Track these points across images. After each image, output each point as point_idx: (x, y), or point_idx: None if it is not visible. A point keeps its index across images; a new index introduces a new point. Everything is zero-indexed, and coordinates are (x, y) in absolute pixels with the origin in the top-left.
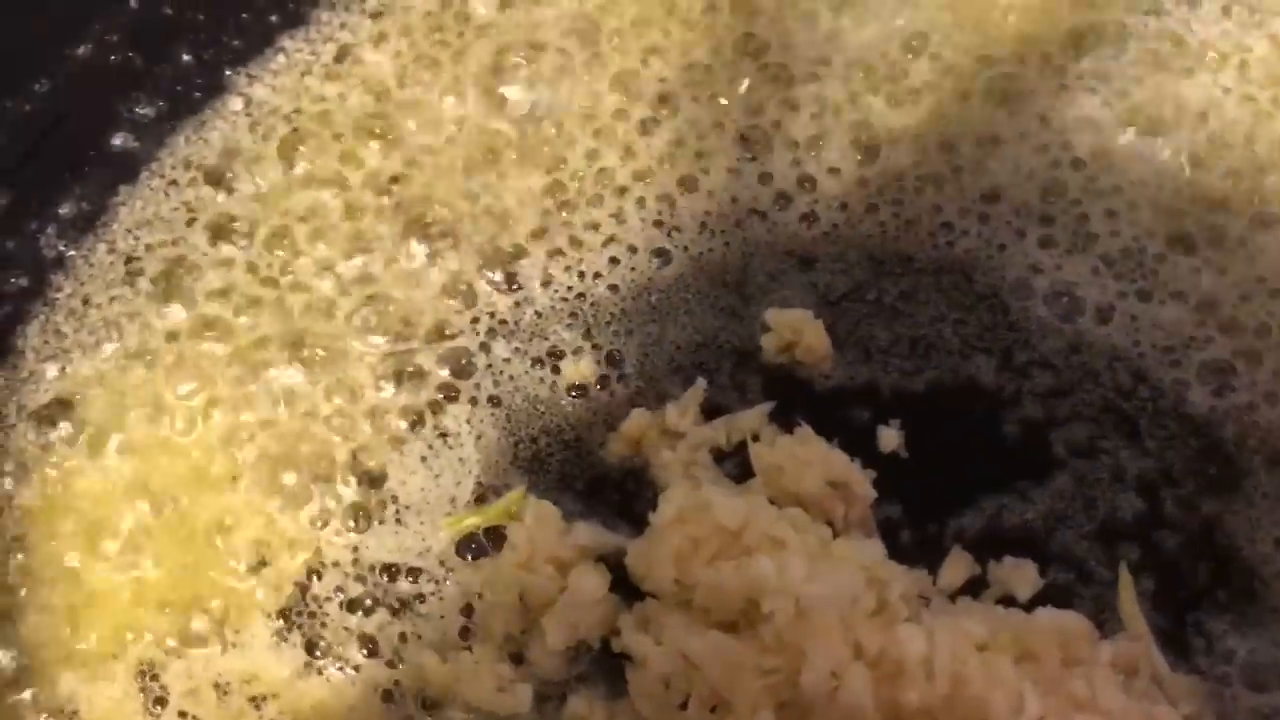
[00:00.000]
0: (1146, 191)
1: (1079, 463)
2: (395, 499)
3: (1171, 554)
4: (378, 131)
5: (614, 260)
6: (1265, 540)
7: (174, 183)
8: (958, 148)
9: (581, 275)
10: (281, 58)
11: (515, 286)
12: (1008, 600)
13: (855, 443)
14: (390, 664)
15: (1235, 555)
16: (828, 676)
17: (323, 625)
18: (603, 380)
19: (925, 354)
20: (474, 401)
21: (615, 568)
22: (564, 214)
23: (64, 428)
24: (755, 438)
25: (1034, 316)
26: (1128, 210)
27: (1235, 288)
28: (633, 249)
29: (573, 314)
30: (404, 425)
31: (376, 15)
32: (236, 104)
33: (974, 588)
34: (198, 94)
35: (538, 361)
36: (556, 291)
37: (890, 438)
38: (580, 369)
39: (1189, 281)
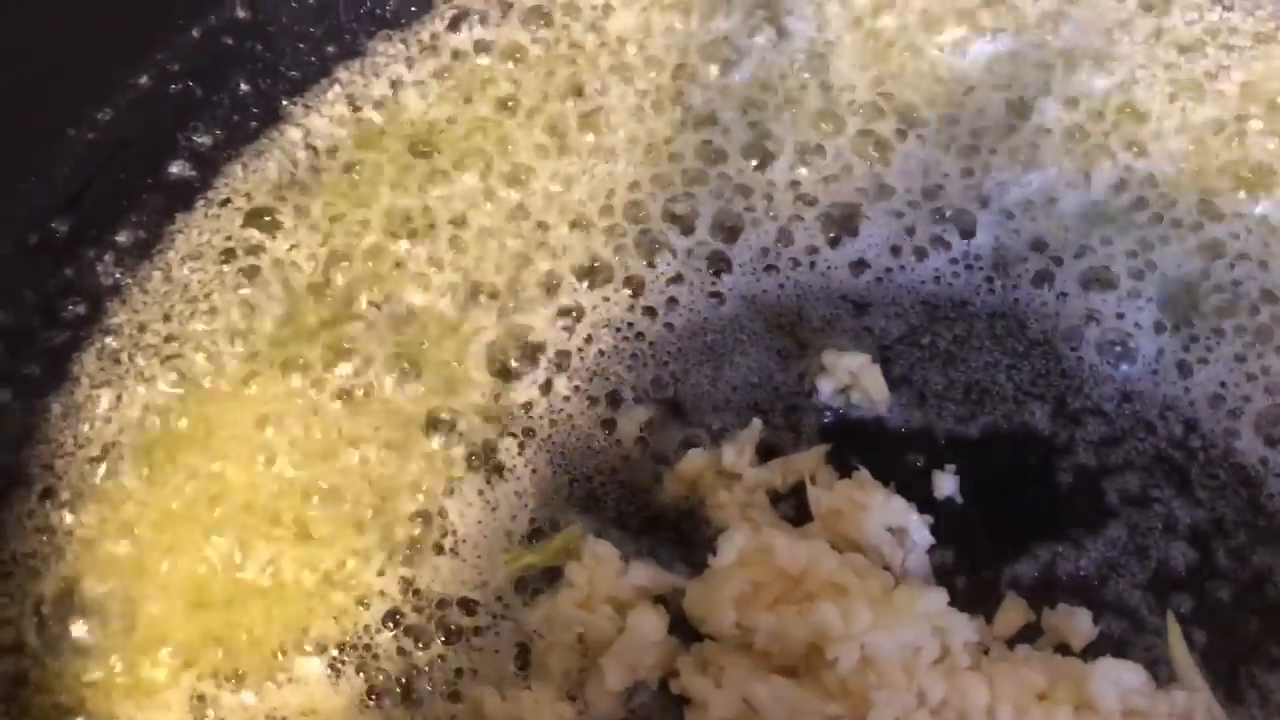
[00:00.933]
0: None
1: (1131, 511)
2: (454, 533)
3: (1224, 605)
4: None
5: (672, 300)
6: None
7: (231, 211)
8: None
9: (641, 314)
10: (337, 88)
11: (574, 324)
12: (1062, 649)
13: (910, 487)
14: (446, 698)
15: None
16: None
17: (376, 658)
18: (659, 420)
19: (979, 399)
20: (530, 435)
21: (673, 608)
22: (619, 255)
23: (121, 456)
24: (812, 480)
25: (1086, 364)
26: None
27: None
28: (690, 289)
29: (633, 355)
30: (462, 461)
31: (428, 48)
32: (294, 134)
33: (1028, 635)
34: (254, 123)
35: (594, 401)
36: (617, 330)
37: (945, 483)
38: (637, 409)
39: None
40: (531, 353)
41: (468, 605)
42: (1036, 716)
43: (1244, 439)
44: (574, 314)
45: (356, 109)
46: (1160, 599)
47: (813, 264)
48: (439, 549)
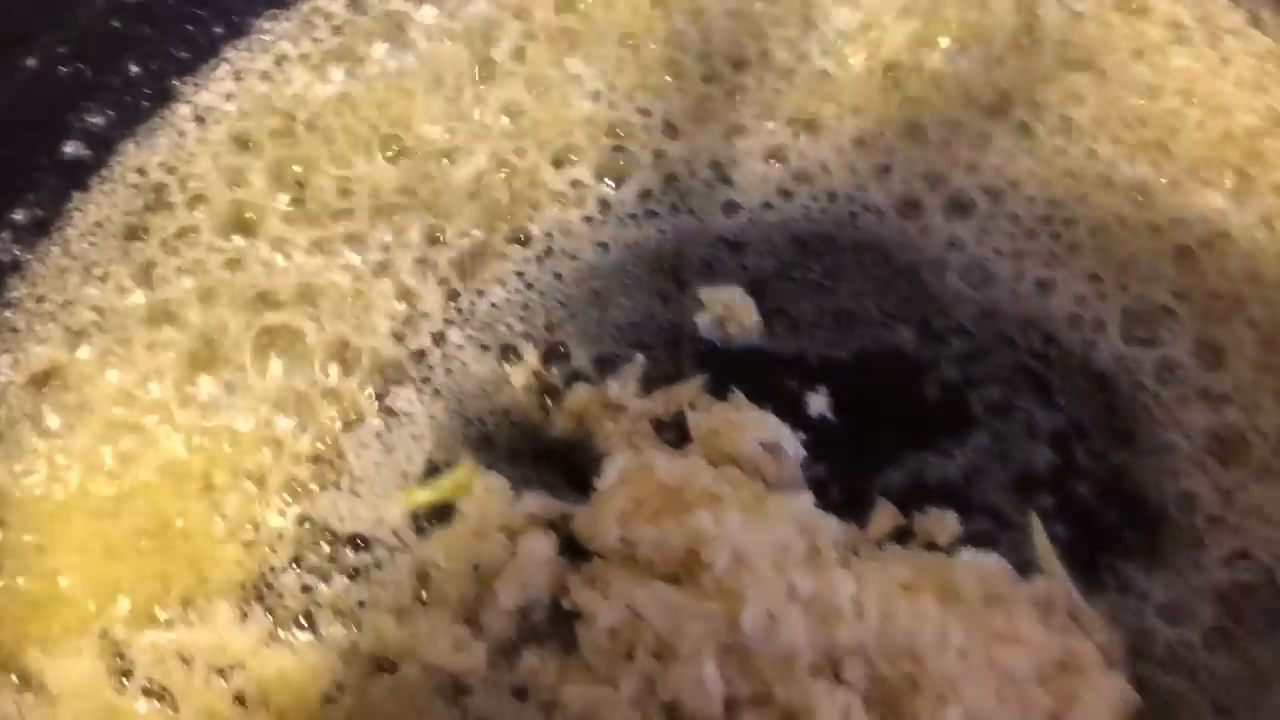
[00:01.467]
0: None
1: (994, 420)
2: (352, 473)
3: (1083, 501)
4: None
5: (559, 250)
6: (1170, 486)
7: (126, 187)
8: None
9: (528, 264)
10: (225, 66)
11: (467, 279)
12: (931, 548)
13: (786, 409)
14: (349, 629)
15: (1143, 501)
16: (765, 618)
17: (280, 596)
18: (547, 363)
19: (848, 325)
20: (426, 383)
21: (564, 536)
22: (509, 209)
23: (26, 422)
24: (692, 406)
25: (950, 288)
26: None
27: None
28: (575, 240)
29: (523, 304)
30: (358, 408)
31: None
32: (184, 111)
33: (900, 539)
34: (146, 103)
35: (486, 348)
36: (505, 282)
37: (818, 402)
38: (526, 352)
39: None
40: (423, 307)
41: (366, 542)
42: (901, 605)
43: (1101, 348)
44: (467, 268)
45: (243, 84)
46: (1024, 498)
47: (690, 209)
48: (337, 488)
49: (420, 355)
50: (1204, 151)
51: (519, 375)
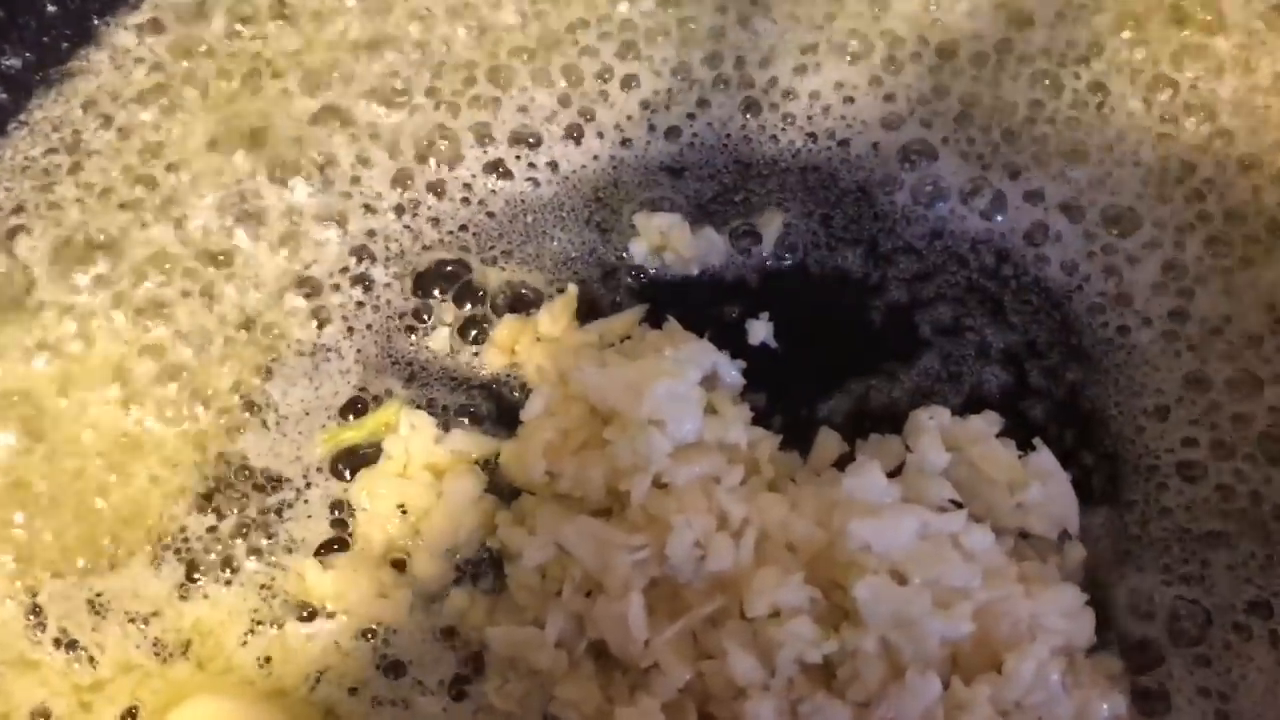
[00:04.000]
0: None
1: (944, 341)
2: (276, 409)
3: (1038, 421)
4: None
5: (493, 190)
6: (1125, 403)
7: (44, 133)
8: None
9: (460, 204)
10: (146, 5)
11: (399, 213)
12: None
13: (726, 337)
14: (266, 572)
15: (1100, 417)
16: (692, 547)
17: (196, 539)
18: (479, 299)
19: (792, 248)
20: (357, 316)
21: (493, 475)
22: (444, 143)
23: None
24: (628, 337)
25: (899, 206)
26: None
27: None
28: (507, 175)
29: (460, 246)
30: (285, 348)
31: None
32: (101, 55)
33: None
34: (65, 45)
35: (419, 285)
36: (437, 219)
37: (758, 329)
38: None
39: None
40: (356, 250)
41: (284, 481)
42: (833, 523)
43: (1053, 265)
44: (399, 209)
45: (162, 28)
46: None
47: (626, 140)
48: (262, 426)
49: (348, 288)
50: None
51: (448, 310)
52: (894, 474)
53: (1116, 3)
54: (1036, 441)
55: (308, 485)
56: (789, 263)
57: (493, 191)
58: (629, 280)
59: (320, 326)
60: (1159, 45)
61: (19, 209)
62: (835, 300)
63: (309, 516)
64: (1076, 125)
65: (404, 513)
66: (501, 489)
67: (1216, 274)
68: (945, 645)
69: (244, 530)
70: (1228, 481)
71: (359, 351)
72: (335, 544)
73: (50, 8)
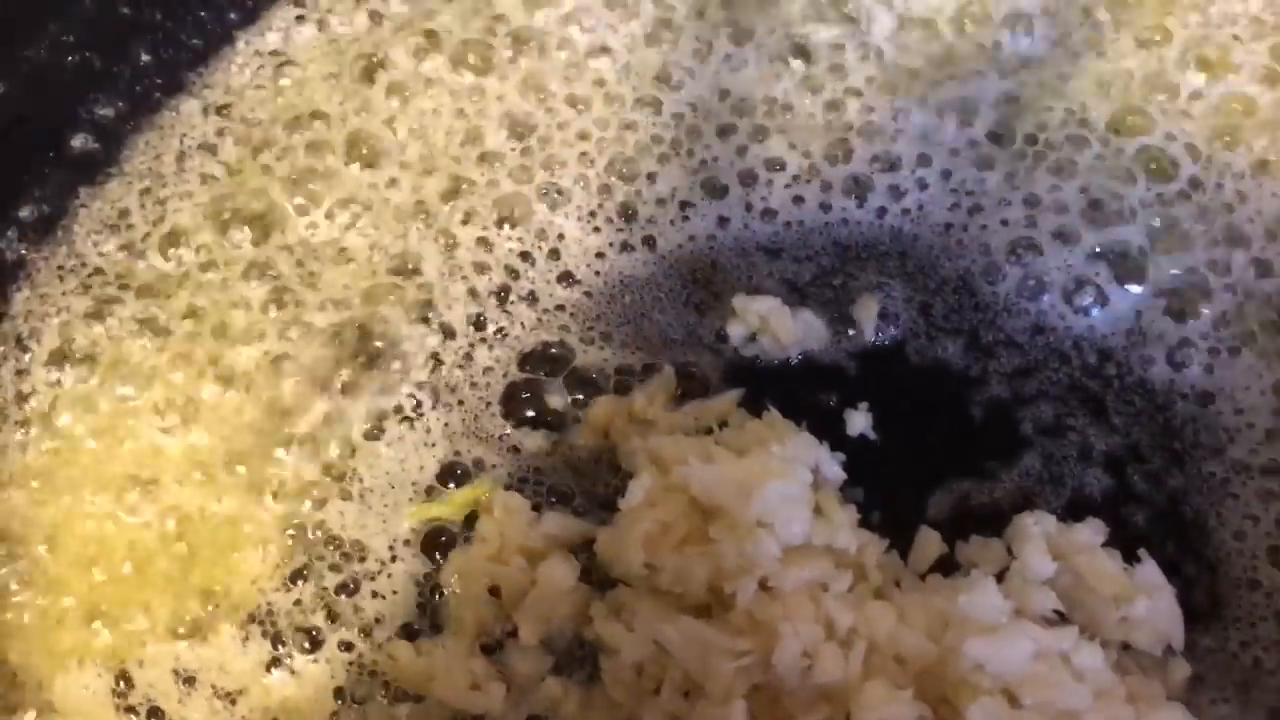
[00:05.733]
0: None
1: (1046, 441)
2: (361, 482)
3: (1140, 528)
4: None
5: (594, 270)
6: (1229, 511)
7: (135, 184)
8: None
9: (557, 282)
10: (239, 57)
11: (499, 294)
12: None
13: (824, 427)
14: (353, 651)
15: (1202, 525)
16: (800, 657)
17: (282, 614)
18: (580, 380)
19: (893, 337)
20: (452, 392)
21: (588, 559)
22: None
23: (30, 427)
24: (725, 424)
25: (1001, 298)
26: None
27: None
28: (600, 255)
29: (560, 326)
30: (380, 414)
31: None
32: (193, 105)
33: (945, 570)
34: (157, 94)
35: (521, 364)
36: (536, 299)
37: (858, 420)
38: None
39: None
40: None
41: (372, 555)
42: (946, 640)
43: (1158, 365)
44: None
45: (259, 74)
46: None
47: (723, 219)
48: (346, 497)
49: (446, 364)
50: None
51: (550, 391)
52: (998, 579)
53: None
54: (1142, 553)
55: (391, 561)
56: (888, 349)
57: (596, 273)
58: (726, 363)
59: (421, 395)
60: None
61: (105, 258)
62: (935, 392)
63: (395, 592)
64: None
65: (496, 597)
66: (594, 578)
67: None
68: None
69: (329, 604)
70: None
71: (446, 425)
72: (419, 625)
73: (144, 56)
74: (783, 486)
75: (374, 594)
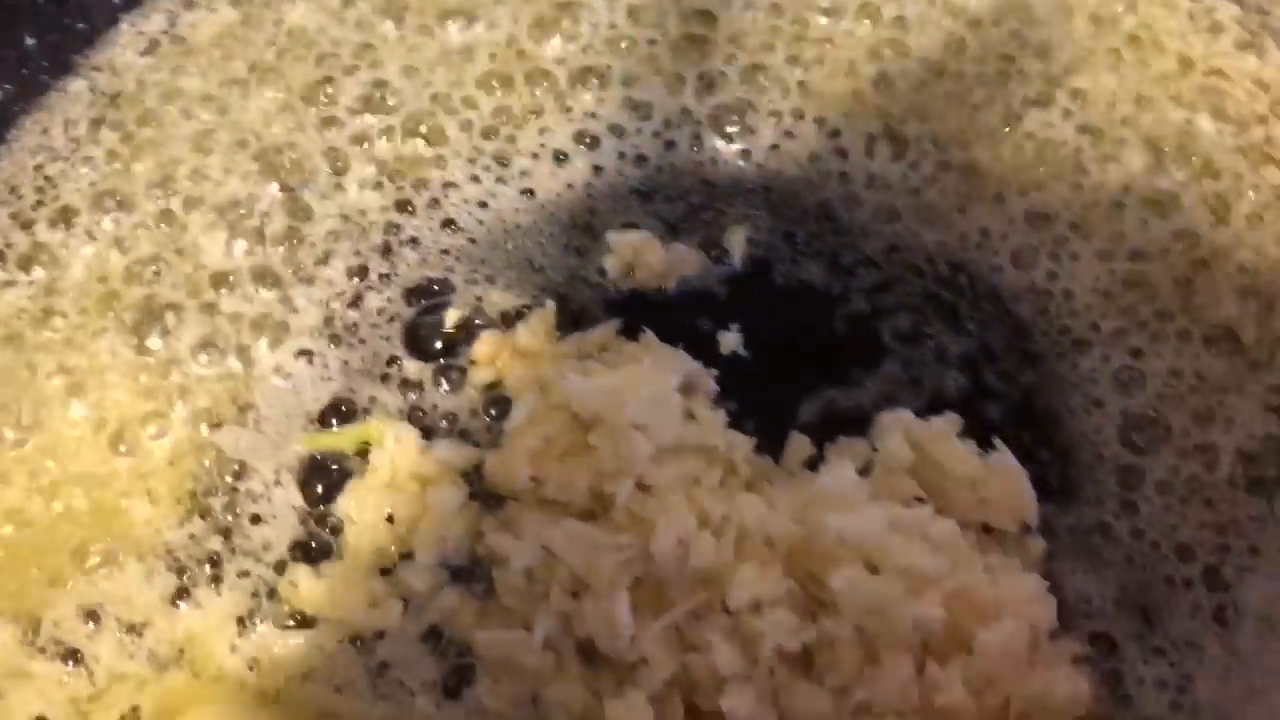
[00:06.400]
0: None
1: (905, 348)
2: (257, 411)
3: (996, 422)
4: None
5: (477, 219)
6: (1077, 401)
7: (27, 164)
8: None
9: (441, 228)
10: (124, 39)
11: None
12: None
13: (698, 348)
14: (251, 578)
15: (1054, 416)
16: (676, 545)
17: (184, 546)
18: (466, 321)
19: (761, 265)
20: (350, 330)
21: (478, 483)
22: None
23: None
24: (604, 349)
25: (858, 223)
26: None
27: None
28: (484, 205)
29: (446, 267)
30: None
31: None
32: (79, 85)
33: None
34: (44, 77)
35: (410, 298)
36: (420, 244)
37: (729, 339)
38: (447, 310)
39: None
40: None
41: (263, 485)
42: (809, 519)
43: (1005, 271)
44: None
45: (145, 54)
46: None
47: (597, 168)
48: (242, 425)
49: (338, 307)
50: None
51: (430, 325)
52: (863, 473)
53: None
54: (996, 440)
55: (277, 484)
56: (756, 274)
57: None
58: (604, 296)
59: (310, 335)
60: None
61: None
62: (800, 311)
63: (275, 518)
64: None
65: (392, 522)
66: (485, 499)
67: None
68: (917, 630)
69: (226, 533)
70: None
71: (345, 363)
72: (309, 549)
73: (28, 40)
74: (653, 390)
75: (262, 521)
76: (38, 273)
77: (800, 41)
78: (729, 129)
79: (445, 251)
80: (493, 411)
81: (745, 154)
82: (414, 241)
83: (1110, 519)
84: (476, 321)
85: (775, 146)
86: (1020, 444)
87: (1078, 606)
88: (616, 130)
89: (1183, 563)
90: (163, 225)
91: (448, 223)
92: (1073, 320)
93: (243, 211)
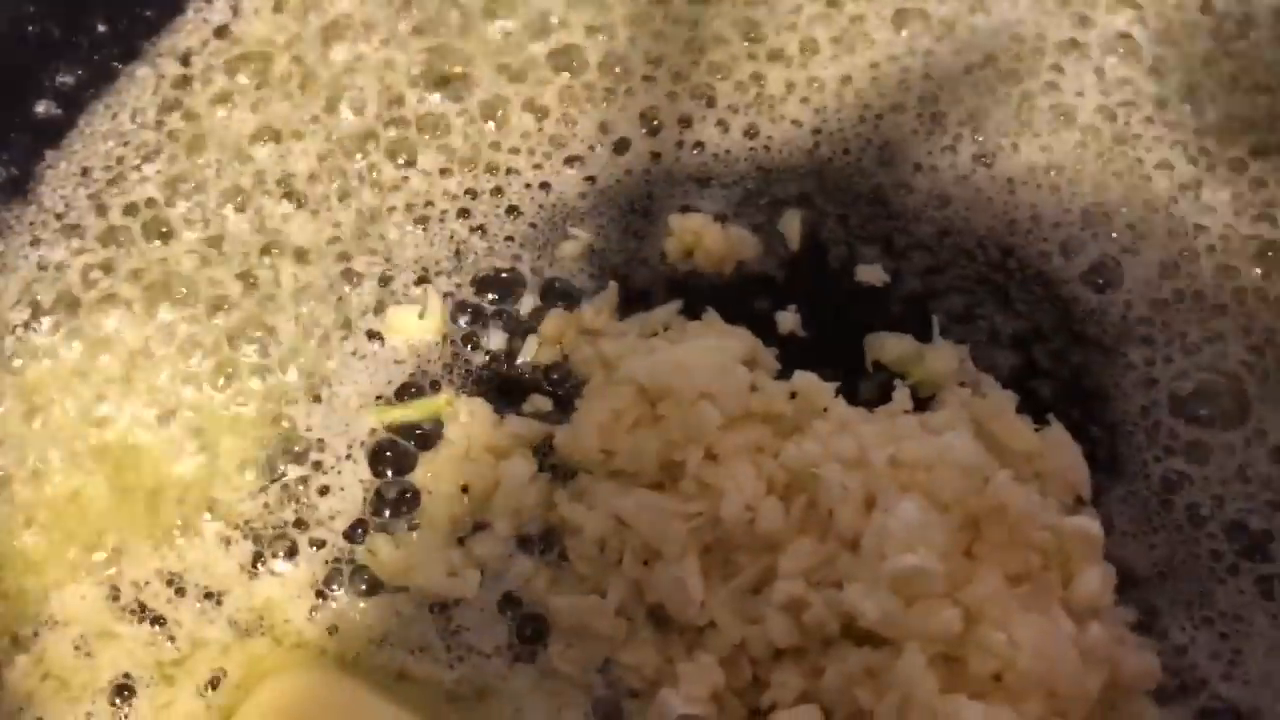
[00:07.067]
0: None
1: (958, 328)
2: (330, 384)
3: (1047, 399)
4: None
5: (538, 202)
6: (1127, 382)
7: (98, 146)
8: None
9: (506, 214)
10: (190, 25)
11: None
12: None
13: (758, 328)
14: (327, 547)
15: (1102, 395)
16: (743, 510)
17: (260, 516)
18: (532, 301)
19: (816, 249)
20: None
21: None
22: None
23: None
24: (667, 328)
25: (910, 208)
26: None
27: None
28: (546, 187)
29: (513, 255)
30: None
31: None
32: (146, 71)
33: None
34: (115, 62)
35: (481, 287)
36: (484, 230)
37: (787, 320)
38: (516, 297)
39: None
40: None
41: (336, 459)
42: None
43: (1055, 259)
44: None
45: (218, 37)
46: None
47: (656, 155)
48: (316, 399)
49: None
50: None
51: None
52: None
53: None
54: (1050, 417)
55: (348, 458)
56: (812, 257)
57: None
58: (666, 278)
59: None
60: None
61: (76, 215)
62: (857, 293)
63: (344, 489)
64: None
65: (466, 493)
66: (555, 472)
67: None
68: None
69: (301, 502)
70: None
71: (412, 345)
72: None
73: (100, 27)
74: (719, 360)
75: (327, 490)
76: (113, 250)
77: (848, 35)
78: (780, 116)
79: (509, 238)
80: (560, 389)
81: (795, 141)
82: (482, 230)
83: (1158, 493)
84: (542, 303)
85: (821, 133)
86: (1070, 420)
87: (1127, 577)
88: (677, 118)
89: (1229, 539)
90: (230, 207)
91: (511, 209)
92: (1122, 309)
93: (313, 191)
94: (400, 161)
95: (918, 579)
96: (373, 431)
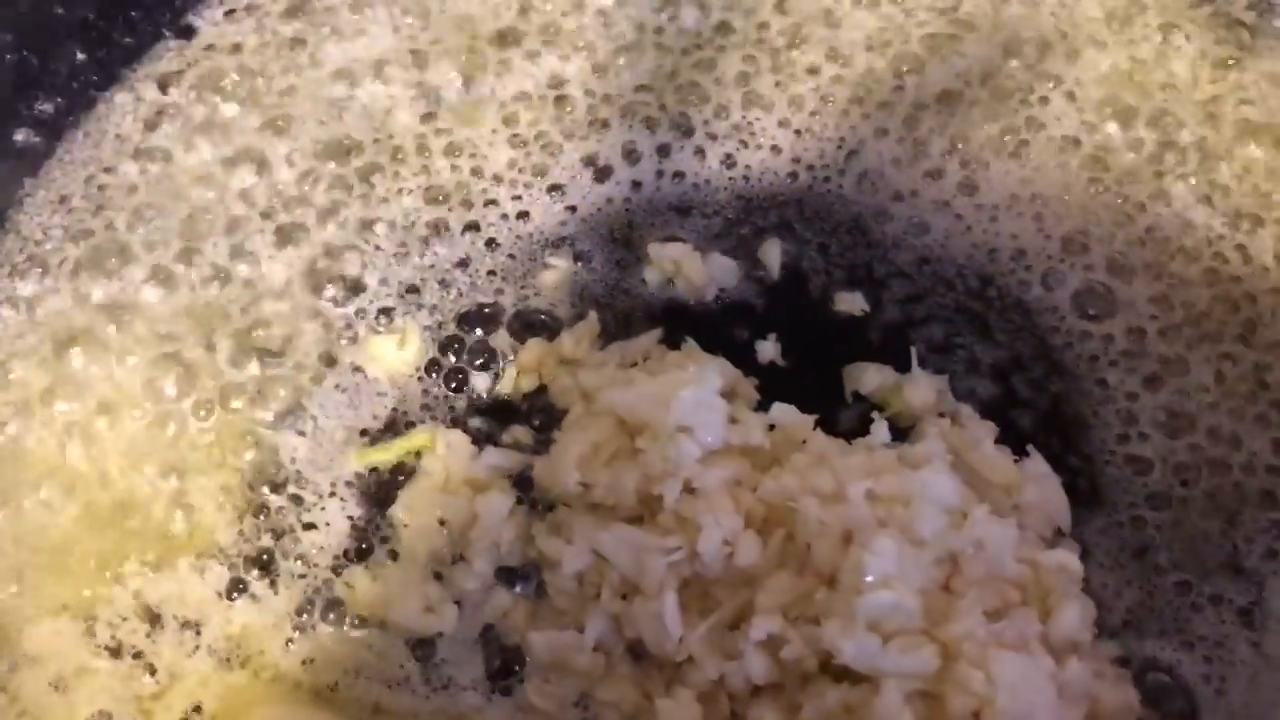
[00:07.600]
0: None
1: (937, 358)
2: (314, 422)
3: (1026, 429)
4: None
5: (516, 232)
6: (1106, 411)
7: (78, 175)
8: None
9: (483, 247)
10: (170, 53)
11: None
12: None
13: (739, 358)
14: (306, 579)
15: (1082, 424)
16: (721, 545)
17: (237, 547)
18: (512, 332)
19: (796, 277)
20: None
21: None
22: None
23: None
24: (647, 358)
25: (890, 236)
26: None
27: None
28: (525, 216)
29: (495, 290)
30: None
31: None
32: (127, 99)
33: None
34: (93, 90)
35: (462, 319)
36: (465, 265)
37: (767, 349)
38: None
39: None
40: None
41: (318, 494)
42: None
43: (1034, 290)
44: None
45: (197, 64)
46: None
47: (637, 183)
48: (300, 434)
49: (371, 317)
50: None
51: (480, 341)
52: None
53: None
54: (1029, 448)
55: (332, 494)
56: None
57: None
58: (646, 307)
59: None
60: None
61: (54, 246)
62: (835, 322)
63: (328, 525)
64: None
65: (444, 526)
66: (534, 505)
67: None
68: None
69: (280, 536)
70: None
71: (391, 376)
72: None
73: (79, 55)
74: (698, 393)
75: (311, 525)
76: (89, 279)
77: (829, 60)
78: (760, 145)
79: (492, 273)
80: (539, 419)
81: (776, 169)
82: (463, 261)
83: (1137, 524)
84: (521, 330)
85: (800, 161)
86: (1050, 450)
87: (1106, 607)
88: (657, 146)
89: (1209, 567)
90: (210, 235)
91: (490, 242)
92: (1102, 339)
93: (292, 218)
94: (380, 190)
95: (894, 615)
96: (354, 469)
